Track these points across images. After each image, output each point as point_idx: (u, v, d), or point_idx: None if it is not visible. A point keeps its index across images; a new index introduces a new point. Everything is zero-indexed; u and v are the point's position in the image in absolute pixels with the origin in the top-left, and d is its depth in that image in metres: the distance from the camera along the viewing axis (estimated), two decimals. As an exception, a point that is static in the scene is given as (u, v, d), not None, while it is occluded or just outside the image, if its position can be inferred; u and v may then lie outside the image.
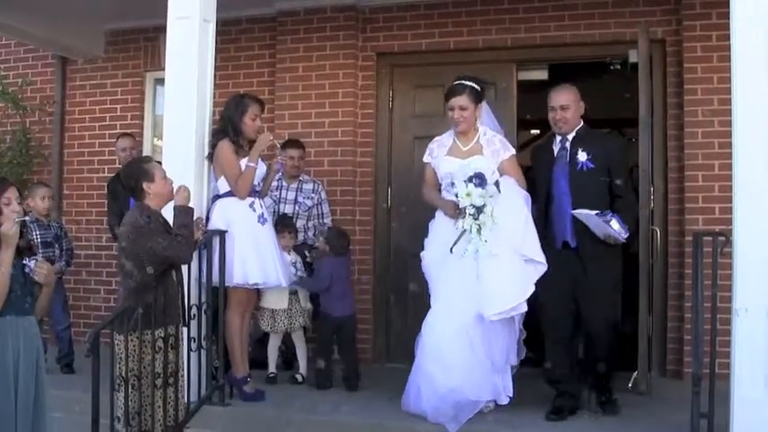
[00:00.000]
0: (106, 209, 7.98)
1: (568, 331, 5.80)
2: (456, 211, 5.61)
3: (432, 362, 5.52)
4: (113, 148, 8.16)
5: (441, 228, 5.80)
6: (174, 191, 5.19)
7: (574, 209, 5.63)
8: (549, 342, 5.85)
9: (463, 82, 5.86)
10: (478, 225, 5.42)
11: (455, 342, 5.48)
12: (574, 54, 7.71)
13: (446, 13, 7.83)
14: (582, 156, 5.71)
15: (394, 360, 7.70)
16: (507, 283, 5.45)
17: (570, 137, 5.82)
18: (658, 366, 7.03)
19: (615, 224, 5.49)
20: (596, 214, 5.49)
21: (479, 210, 5.42)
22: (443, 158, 5.90)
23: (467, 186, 5.45)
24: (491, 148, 5.83)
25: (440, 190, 5.94)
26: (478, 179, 5.46)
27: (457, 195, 5.51)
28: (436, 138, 6.09)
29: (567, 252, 5.72)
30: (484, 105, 5.95)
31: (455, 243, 5.54)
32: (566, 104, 5.81)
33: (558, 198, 5.76)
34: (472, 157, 5.77)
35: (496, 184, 5.53)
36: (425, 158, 6.08)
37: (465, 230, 5.48)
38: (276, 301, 6.68)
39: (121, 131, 8.34)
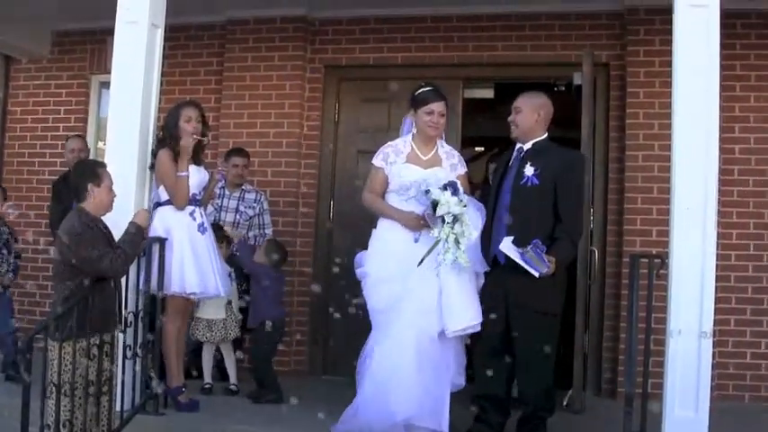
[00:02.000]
0: (48, 211, 7.86)
1: (494, 355, 5.38)
2: (420, 223, 5.39)
3: (384, 391, 5.27)
4: (55, 150, 8.06)
5: (390, 241, 5.52)
6: (136, 211, 5.30)
7: (510, 226, 5.26)
8: (475, 364, 5.55)
9: (439, 90, 5.63)
10: (455, 234, 5.18)
11: (410, 368, 5.25)
12: (519, 74, 7.75)
13: (395, 29, 7.86)
14: (529, 170, 5.31)
15: (331, 373, 7.69)
16: (471, 299, 5.36)
17: (526, 147, 5.44)
18: (593, 385, 7.10)
19: (530, 257, 5.06)
20: (517, 249, 5.10)
21: (456, 218, 5.19)
22: (403, 166, 5.57)
23: (443, 194, 5.20)
24: (450, 162, 5.66)
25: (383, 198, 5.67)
26: (452, 188, 5.23)
27: (435, 205, 5.20)
28: (389, 143, 5.75)
29: (498, 270, 5.35)
30: None
31: (427, 254, 5.25)
32: (518, 107, 5.45)
33: (499, 212, 5.40)
34: (433, 168, 5.55)
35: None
36: (378, 162, 5.66)
37: (439, 240, 5.22)
38: (215, 312, 6.63)
39: (71, 133, 8.16)
